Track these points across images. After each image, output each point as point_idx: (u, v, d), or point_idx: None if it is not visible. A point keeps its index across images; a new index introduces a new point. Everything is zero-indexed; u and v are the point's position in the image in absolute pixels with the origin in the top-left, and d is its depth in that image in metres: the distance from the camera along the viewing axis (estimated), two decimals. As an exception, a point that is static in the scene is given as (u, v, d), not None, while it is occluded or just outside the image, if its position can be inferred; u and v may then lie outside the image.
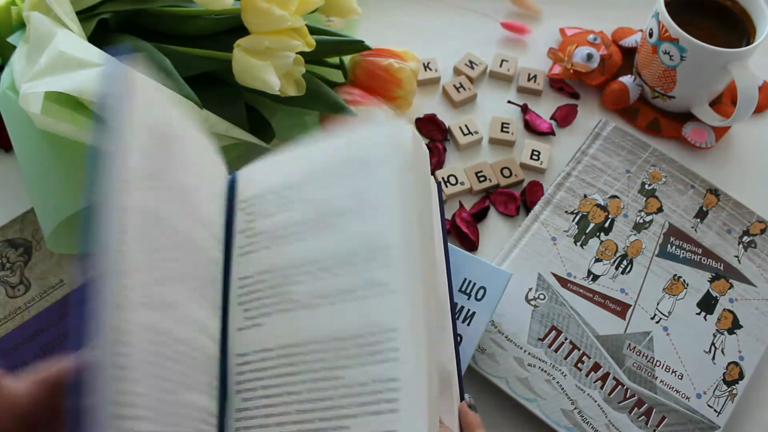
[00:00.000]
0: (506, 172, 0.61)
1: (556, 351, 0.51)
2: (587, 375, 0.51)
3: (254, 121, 0.55)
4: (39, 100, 0.45)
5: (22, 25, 0.55)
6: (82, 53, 0.46)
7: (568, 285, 0.54)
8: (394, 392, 0.34)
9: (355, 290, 0.37)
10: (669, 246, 0.56)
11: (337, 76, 0.61)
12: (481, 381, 0.51)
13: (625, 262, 0.55)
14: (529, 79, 0.67)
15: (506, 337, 0.52)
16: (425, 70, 0.67)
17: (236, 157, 0.56)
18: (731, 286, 0.55)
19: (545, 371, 0.51)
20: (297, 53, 0.49)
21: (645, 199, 0.58)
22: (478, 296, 0.48)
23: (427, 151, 0.44)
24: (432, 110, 0.65)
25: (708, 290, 0.55)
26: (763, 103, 0.67)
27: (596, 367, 0.51)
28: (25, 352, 0.50)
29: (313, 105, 0.55)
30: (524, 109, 0.66)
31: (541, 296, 0.53)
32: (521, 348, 0.51)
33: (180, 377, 0.35)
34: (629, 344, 0.52)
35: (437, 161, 0.62)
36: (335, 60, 0.60)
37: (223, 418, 0.38)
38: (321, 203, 0.40)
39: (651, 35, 0.61)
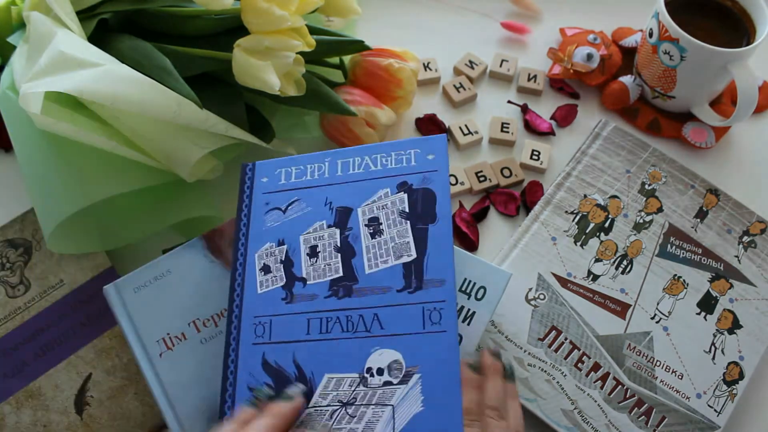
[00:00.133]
0: (506, 172, 0.61)
1: (556, 351, 0.51)
2: (587, 375, 0.51)
3: (254, 121, 0.55)
4: (39, 100, 0.45)
5: (22, 25, 0.55)
6: (82, 53, 0.46)
7: (568, 285, 0.54)
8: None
9: None
10: (669, 246, 0.56)
11: (337, 76, 0.61)
12: (481, 381, 0.51)
13: (625, 262, 0.55)
14: (529, 79, 0.67)
15: (506, 337, 0.52)
16: (425, 70, 0.67)
17: (236, 157, 0.57)
18: (731, 286, 0.55)
19: (545, 371, 0.51)
20: (297, 53, 0.49)
21: (645, 199, 0.58)
22: (478, 296, 0.48)
23: None
24: (432, 110, 0.65)
25: (708, 290, 0.55)
26: (763, 103, 0.67)
27: (596, 367, 0.51)
28: (25, 352, 0.50)
29: (313, 105, 0.55)
30: (524, 109, 0.66)
31: (541, 296, 0.53)
32: (521, 348, 0.51)
33: None
34: (629, 344, 0.52)
35: (437, 161, 0.62)
36: (335, 60, 0.60)
37: None
38: None
39: (651, 35, 0.61)
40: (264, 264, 0.46)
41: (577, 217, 0.57)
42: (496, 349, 0.46)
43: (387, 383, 0.41)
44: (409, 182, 0.47)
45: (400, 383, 0.41)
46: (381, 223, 0.46)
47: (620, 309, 0.53)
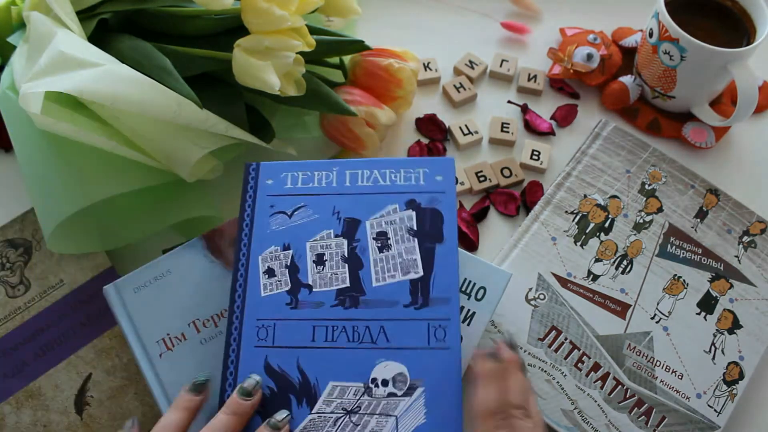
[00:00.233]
0: (506, 172, 0.61)
1: (556, 351, 0.51)
2: (587, 375, 0.51)
3: (254, 121, 0.55)
4: (39, 100, 0.45)
5: (22, 25, 0.55)
6: (82, 53, 0.46)
7: (568, 285, 0.54)
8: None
9: None
10: (669, 246, 0.56)
11: (337, 76, 0.61)
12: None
13: (625, 262, 0.55)
14: (529, 79, 0.67)
15: (506, 337, 0.52)
16: (425, 70, 0.67)
17: (236, 157, 0.57)
18: (731, 286, 0.55)
19: (545, 371, 0.51)
20: (297, 53, 0.49)
21: (645, 199, 0.58)
22: (478, 296, 0.48)
23: None
24: (432, 110, 0.65)
25: (708, 290, 0.55)
26: (763, 103, 0.67)
27: (596, 367, 0.51)
28: (25, 352, 0.50)
29: (313, 105, 0.55)
30: (524, 109, 0.66)
31: (541, 296, 0.53)
32: (521, 348, 0.51)
33: None
34: (629, 344, 0.52)
35: (437, 161, 0.62)
36: (335, 60, 0.60)
37: None
38: None
39: (651, 35, 0.61)
40: (268, 267, 0.46)
41: (577, 217, 0.57)
42: (510, 339, 0.44)
43: (391, 394, 0.42)
44: (417, 201, 0.48)
45: (404, 395, 0.41)
46: (389, 238, 0.46)
47: (620, 309, 0.53)
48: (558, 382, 0.50)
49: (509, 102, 0.67)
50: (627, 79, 0.65)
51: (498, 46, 0.71)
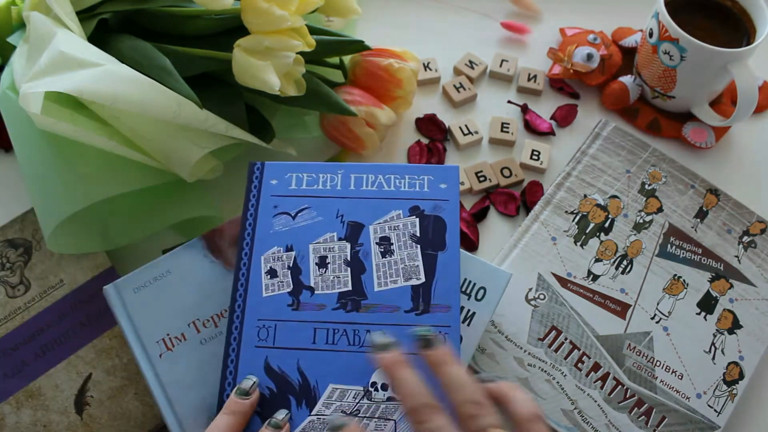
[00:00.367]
0: (506, 172, 0.61)
1: (556, 351, 0.51)
2: (587, 375, 0.51)
3: (254, 121, 0.55)
4: (39, 100, 0.45)
5: (22, 25, 0.55)
6: (82, 53, 0.46)
7: (568, 285, 0.54)
8: None
9: None
10: (669, 246, 0.56)
11: (337, 76, 0.61)
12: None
13: (625, 262, 0.55)
14: (529, 79, 0.67)
15: (506, 337, 0.52)
16: (425, 70, 0.67)
17: (236, 157, 0.57)
18: (731, 286, 0.55)
19: (545, 371, 0.51)
20: (297, 53, 0.49)
21: (645, 199, 0.58)
22: (478, 296, 0.48)
23: None
24: (432, 110, 0.65)
25: (708, 290, 0.55)
26: (763, 103, 0.67)
27: (596, 367, 0.51)
28: (25, 352, 0.50)
29: (313, 105, 0.55)
30: (524, 109, 0.66)
31: (541, 296, 0.53)
32: (521, 348, 0.51)
33: None
34: (629, 344, 0.52)
35: (437, 161, 0.62)
36: (335, 60, 0.60)
37: None
38: None
39: (651, 35, 0.61)
40: (270, 268, 0.46)
41: (577, 217, 0.57)
42: (426, 335, 0.41)
43: (390, 398, 0.42)
44: (420, 207, 0.48)
45: None
46: (392, 244, 0.46)
47: (620, 309, 0.53)
48: (558, 382, 0.50)
49: (509, 102, 0.67)
50: (627, 79, 0.65)
51: (498, 46, 0.71)
